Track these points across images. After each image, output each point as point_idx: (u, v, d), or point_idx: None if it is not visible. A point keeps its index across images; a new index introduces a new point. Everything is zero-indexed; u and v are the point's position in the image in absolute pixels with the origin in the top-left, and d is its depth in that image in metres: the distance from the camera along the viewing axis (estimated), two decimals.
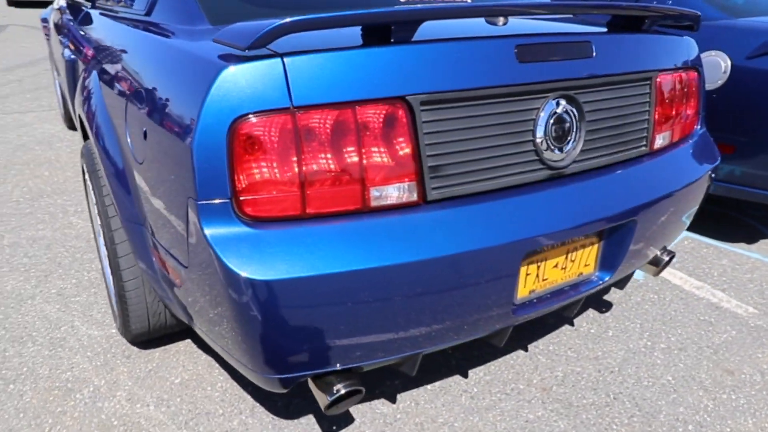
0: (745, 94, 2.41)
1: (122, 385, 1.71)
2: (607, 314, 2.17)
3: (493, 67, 1.19)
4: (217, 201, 1.02)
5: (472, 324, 1.28)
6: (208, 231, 1.03)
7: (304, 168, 1.05)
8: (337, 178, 1.08)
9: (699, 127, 1.81)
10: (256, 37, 0.97)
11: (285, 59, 1.02)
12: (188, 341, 1.92)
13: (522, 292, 1.37)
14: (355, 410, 1.66)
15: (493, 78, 1.19)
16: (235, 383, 1.74)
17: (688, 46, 1.65)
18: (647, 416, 1.68)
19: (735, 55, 2.42)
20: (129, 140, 1.38)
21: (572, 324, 2.10)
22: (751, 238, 2.86)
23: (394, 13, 1.05)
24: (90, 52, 1.96)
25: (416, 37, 1.17)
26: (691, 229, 2.93)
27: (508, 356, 1.91)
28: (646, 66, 1.48)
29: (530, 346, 1.97)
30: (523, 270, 1.33)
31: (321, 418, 1.62)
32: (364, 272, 1.07)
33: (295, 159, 1.04)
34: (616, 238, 1.48)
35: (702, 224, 2.99)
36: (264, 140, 1.02)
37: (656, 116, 1.56)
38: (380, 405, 1.69)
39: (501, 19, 1.41)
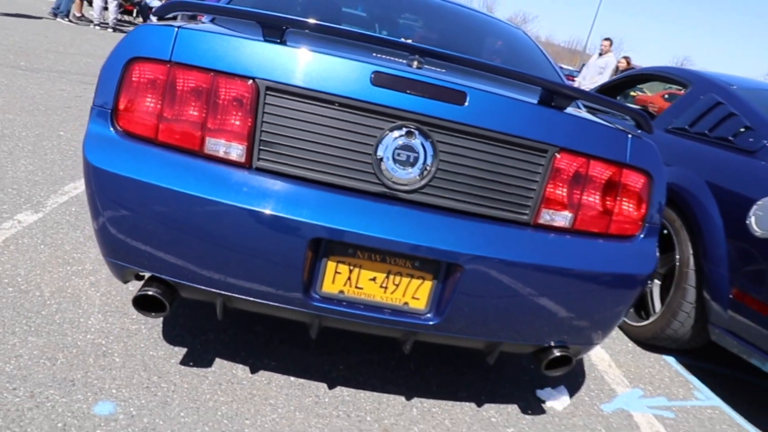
0: None
1: (98, 274, 2.22)
2: (528, 417, 1.99)
3: (346, 80, 1.41)
4: (103, 108, 1.45)
5: (264, 284, 1.45)
6: (91, 126, 1.45)
7: (163, 106, 1.42)
8: (185, 122, 1.42)
9: (641, 235, 1.66)
10: (156, 10, 1.40)
11: (179, 29, 1.42)
12: None
13: (329, 286, 1.48)
14: (218, 364, 1.87)
15: (341, 89, 1.40)
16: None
17: (624, 141, 1.59)
18: None
19: None
20: None
21: (479, 406, 1.98)
22: None
23: (262, 15, 1.39)
24: None
25: (297, 40, 1.47)
26: (732, 400, 2.42)
27: (384, 395, 1.92)
28: (543, 137, 1.50)
29: (416, 399, 1.94)
30: (330, 265, 1.46)
31: (201, 349, 1.88)
32: (174, 192, 1.37)
33: (160, 98, 1.42)
34: (449, 283, 1.49)
35: (753, 399, 2.44)
36: (142, 78, 1.42)
37: (547, 192, 1.53)
38: (240, 370, 1.87)
39: (416, 63, 1.60)
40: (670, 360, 2.71)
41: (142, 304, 1.54)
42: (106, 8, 10.28)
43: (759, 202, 2.22)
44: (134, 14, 12.61)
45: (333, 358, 2.05)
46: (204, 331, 2.03)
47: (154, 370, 1.77)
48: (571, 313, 1.60)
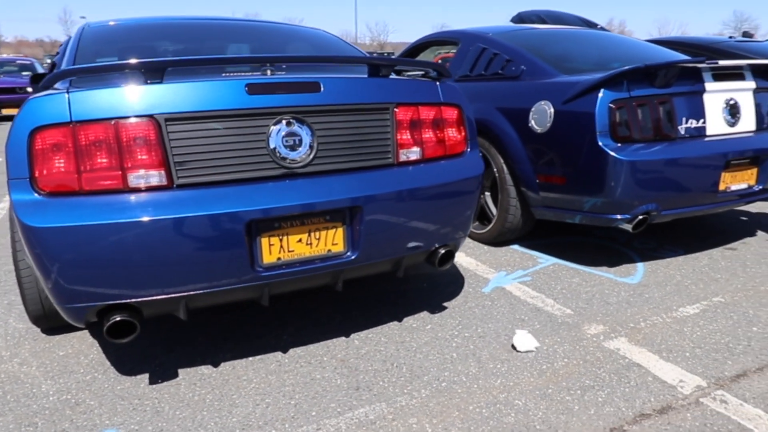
0: (563, 133, 2.87)
1: (20, 355, 2.25)
2: (436, 315, 2.55)
3: (227, 97, 1.77)
4: (20, 179, 1.62)
5: (217, 274, 1.77)
6: (14, 197, 1.62)
7: (79, 161, 1.64)
8: (104, 168, 1.66)
9: (467, 150, 2.29)
10: (42, 82, 1.62)
11: (69, 94, 1.65)
12: (86, 331, 2.46)
13: (268, 258, 1.85)
14: (183, 372, 2.11)
15: (226, 104, 1.77)
16: (103, 356, 2.24)
17: (435, 89, 2.18)
18: (412, 376, 2.04)
19: (556, 103, 2.91)
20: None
21: (400, 321, 2.49)
22: (614, 262, 3.16)
23: (145, 63, 1.69)
24: None
25: (169, 77, 1.78)
26: (564, 256, 3.27)
27: (328, 341, 2.33)
28: (382, 99, 2.02)
29: (353, 334, 2.38)
30: (264, 241, 1.83)
31: (160, 369, 2.09)
32: (114, 224, 1.62)
33: (72, 154, 1.64)
34: (355, 223, 1.96)
35: (577, 252, 3.32)
36: (49, 142, 1.62)
37: (398, 137, 2.07)
38: (204, 369, 2.13)
39: (269, 71, 2.01)
40: (516, 247, 3.50)
41: (113, 332, 1.75)
42: None
43: (532, 109, 3.04)
44: None
45: (275, 333, 2.39)
46: (154, 357, 2.23)
47: (131, 396, 1.96)
48: (442, 216, 2.16)
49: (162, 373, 2.10)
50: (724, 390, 1.92)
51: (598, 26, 5.71)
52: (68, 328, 2.46)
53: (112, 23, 2.81)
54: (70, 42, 2.51)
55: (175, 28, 2.91)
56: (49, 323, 2.35)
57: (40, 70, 13.03)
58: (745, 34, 16.04)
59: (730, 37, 6.98)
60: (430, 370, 2.08)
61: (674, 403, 1.86)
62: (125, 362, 2.19)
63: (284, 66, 2.21)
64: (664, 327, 2.38)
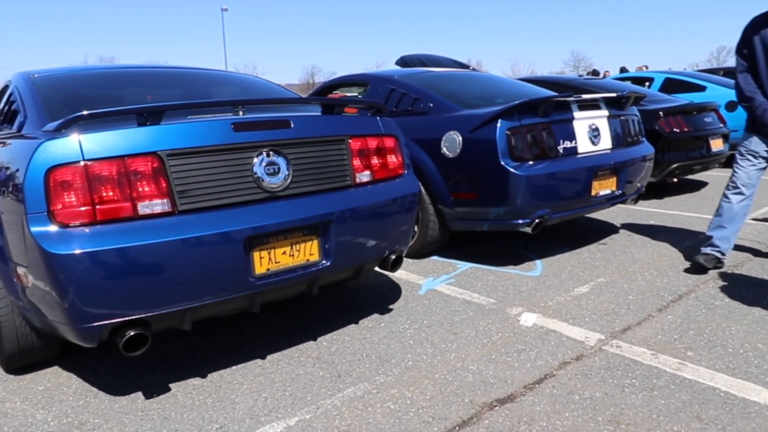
0: (472, 156, 3.47)
1: None
2: (385, 315, 2.96)
3: (217, 134, 2.09)
4: (38, 213, 1.80)
5: (218, 286, 2.04)
6: (33, 229, 1.80)
7: (92, 195, 1.86)
8: (115, 200, 1.90)
9: (405, 172, 2.77)
10: (55, 125, 1.84)
11: (80, 136, 1.87)
12: (56, 367, 2.52)
13: (259, 269, 2.16)
14: (175, 386, 2.30)
15: (216, 140, 2.08)
16: (86, 384, 2.35)
17: (377, 123, 2.65)
18: (382, 361, 2.42)
19: (463, 132, 3.52)
20: None
21: (357, 323, 2.86)
22: (518, 261, 3.80)
23: (145, 107, 1.96)
24: None
25: (167, 119, 2.06)
26: (477, 260, 3.84)
27: (299, 345, 2.63)
28: (339, 132, 2.44)
29: (319, 338, 2.70)
30: (256, 254, 2.14)
31: (151, 387, 2.25)
32: (127, 248, 1.86)
33: (87, 189, 1.85)
34: (327, 236, 2.33)
35: (487, 257, 3.92)
36: (64, 179, 1.83)
37: (354, 163, 2.49)
38: (194, 380, 2.34)
39: (241, 112, 2.35)
40: (435, 257, 4.03)
41: (128, 347, 1.94)
42: None
43: (443, 138, 3.62)
44: None
45: (249, 346, 2.64)
46: (140, 378, 2.38)
47: (133, 411, 2.12)
48: (392, 227, 2.60)
49: (154, 389, 2.28)
50: (618, 339, 2.53)
51: (470, 67, 6.60)
52: (34, 368, 2.51)
53: (37, 75, 2.90)
54: (22, 91, 2.61)
55: (121, 77, 3.11)
56: (22, 361, 2.41)
57: None
58: (594, 72, 19.06)
59: (580, 75, 8.35)
60: (395, 355, 2.48)
61: (585, 352, 2.43)
62: (113, 386, 2.32)
63: (242, 108, 2.52)
64: (566, 303, 3.00)
